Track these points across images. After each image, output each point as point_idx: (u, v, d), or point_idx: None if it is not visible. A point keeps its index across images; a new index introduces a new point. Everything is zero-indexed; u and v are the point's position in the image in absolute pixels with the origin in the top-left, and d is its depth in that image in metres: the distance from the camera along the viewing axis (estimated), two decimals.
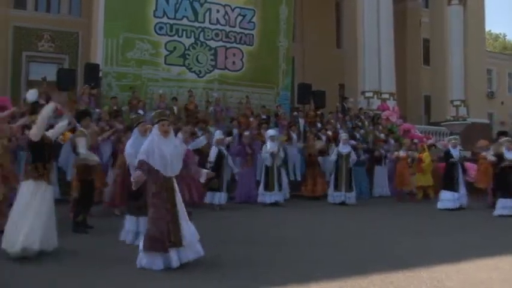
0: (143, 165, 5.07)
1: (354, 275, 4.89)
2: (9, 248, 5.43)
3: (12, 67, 16.96)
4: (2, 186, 6.69)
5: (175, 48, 15.36)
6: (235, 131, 12.57)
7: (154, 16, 15.24)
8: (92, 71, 13.90)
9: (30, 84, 15.70)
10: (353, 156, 11.63)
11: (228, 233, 7.34)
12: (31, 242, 5.42)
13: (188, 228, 5.20)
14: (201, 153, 10.11)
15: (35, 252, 5.42)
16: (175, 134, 6.38)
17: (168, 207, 5.07)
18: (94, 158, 7.29)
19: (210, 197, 9.89)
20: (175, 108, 12.82)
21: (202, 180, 5.84)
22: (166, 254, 4.96)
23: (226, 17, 16.19)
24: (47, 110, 5.81)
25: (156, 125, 5.28)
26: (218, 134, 10.37)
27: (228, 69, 16.13)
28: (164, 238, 4.97)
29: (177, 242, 5.03)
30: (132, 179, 5.19)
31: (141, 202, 5.93)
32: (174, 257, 4.98)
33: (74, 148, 7.25)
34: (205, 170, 5.86)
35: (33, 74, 16.88)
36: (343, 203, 11.44)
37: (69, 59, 17.55)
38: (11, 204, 6.33)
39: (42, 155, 5.77)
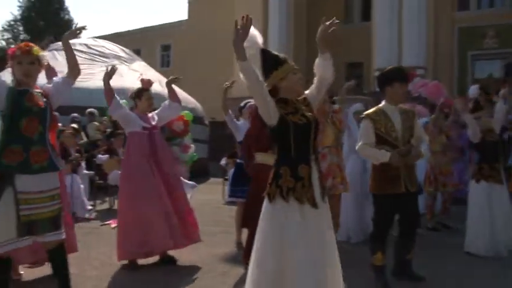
0: None
1: None
2: (472, 250, 5.49)
3: (458, 67, 17.42)
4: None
5: None
6: None
7: None
8: None
9: (476, 83, 15.74)
10: None
11: None
12: (493, 246, 5.38)
13: None
14: None
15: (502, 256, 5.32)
16: None
17: None
18: None
19: None
20: None
21: None
22: None
23: None
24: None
25: None
26: None
27: None
28: None
29: None
30: None
31: None
32: None
33: None
34: None
35: (478, 72, 16.90)
36: None
37: None
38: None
39: (485, 155, 5.57)
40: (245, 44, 2.87)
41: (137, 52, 20.37)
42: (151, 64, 18.66)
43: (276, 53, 3.19)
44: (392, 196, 4.15)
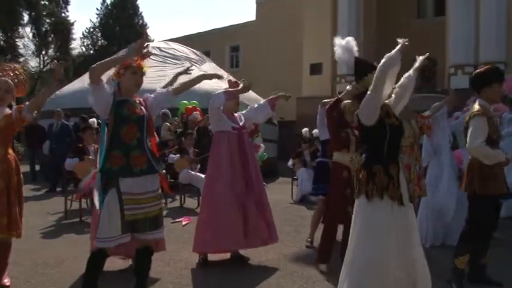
0: None
1: None
2: None
3: None
4: None
5: None
6: None
7: None
8: None
9: None
10: None
11: None
12: None
13: None
14: None
15: None
16: None
17: None
18: None
19: None
20: None
21: None
22: None
23: None
24: None
25: None
26: None
27: None
28: None
29: None
30: None
31: None
32: None
33: None
34: None
35: None
36: None
37: None
38: None
39: None
40: (343, 52, 3.28)
41: (207, 53, 20.79)
42: (221, 65, 18.98)
43: (367, 60, 3.43)
44: (496, 197, 4.16)
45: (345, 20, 18.44)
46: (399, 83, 3.50)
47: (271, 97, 5.26)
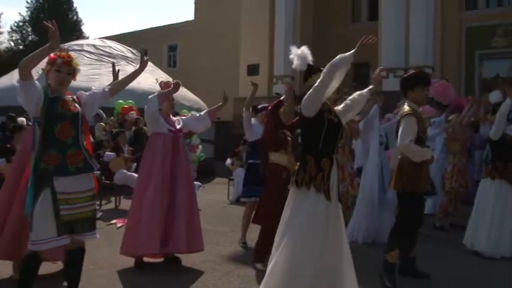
0: None
1: None
2: (473, 247, 5.53)
3: (465, 67, 17.31)
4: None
5: None
6: None
7: None
8: None
9: (484, 83, 15.71)
10: None
11: None
12: (495, 246, 5.36)
13: None
14: None
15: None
16: None
17: None
18: None
19: None
20: None
21: None
22: None
23: None
24: (504, 107, 5.51)
25: None
26: None
27: None
28: None
29: None
30: None
31: None
32: None
33: None
34: None
35: (486, 72, 16.76)
36: None
37: None
38: (466, 203, 6.46)
39: (502, 154, 5.51)
40: (299, 62, 3.50)
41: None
42: (158, 64, 18.70)
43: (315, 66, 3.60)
44: (422, 194, 4.38)
45: (282, 22, 18.68)
46: (351, 96, 3.74)
47: (212, 108, 5.22)
